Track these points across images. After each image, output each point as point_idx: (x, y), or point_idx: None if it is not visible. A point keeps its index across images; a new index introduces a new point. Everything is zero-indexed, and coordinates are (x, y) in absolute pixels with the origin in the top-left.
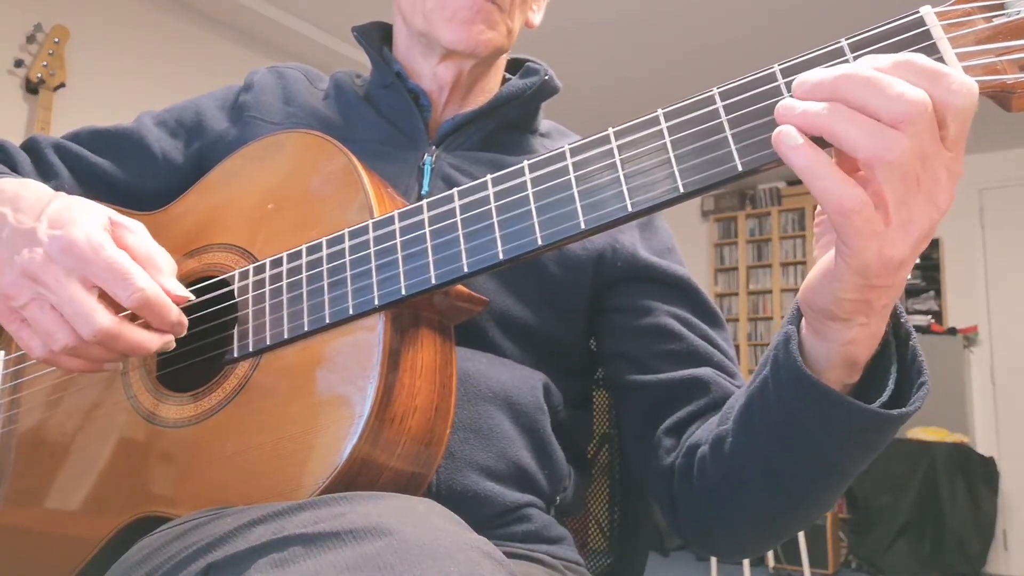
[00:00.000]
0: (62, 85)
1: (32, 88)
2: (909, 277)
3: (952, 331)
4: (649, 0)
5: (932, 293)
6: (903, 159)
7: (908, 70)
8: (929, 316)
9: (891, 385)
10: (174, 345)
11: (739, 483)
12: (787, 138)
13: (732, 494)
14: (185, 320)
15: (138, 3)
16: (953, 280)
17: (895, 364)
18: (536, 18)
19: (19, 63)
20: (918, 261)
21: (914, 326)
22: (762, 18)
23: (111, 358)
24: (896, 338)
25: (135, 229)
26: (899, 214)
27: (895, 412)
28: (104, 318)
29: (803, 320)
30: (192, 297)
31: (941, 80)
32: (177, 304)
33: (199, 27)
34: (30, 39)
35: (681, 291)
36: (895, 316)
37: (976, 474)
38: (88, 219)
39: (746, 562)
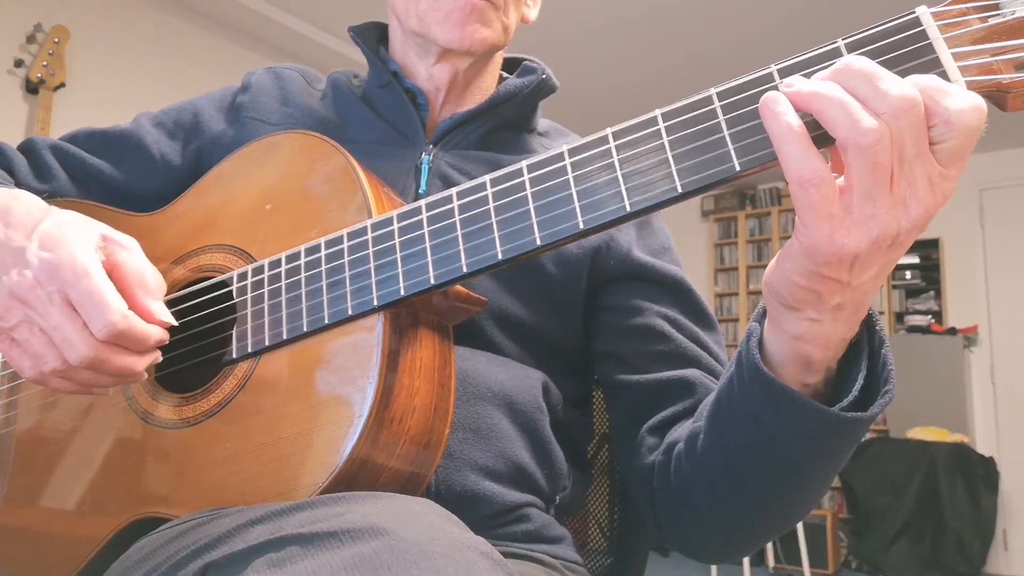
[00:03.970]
0: (62, 85)
1: (32, 88)
2: (908, 277)
3: (952, 331)
4: (649, 4)
5: (932, 293)
6: (877, 148)
7: (915, 78)
8: (929, 316)
9: (855, 392)
10: (161, 358)
11: (709, 481)
12: (770, 101)
13: (703, 492)
14: (166, 336)
15: (138, 3)
16: (953, 280)
17: (863, 372)
18: (532, 13)
19: (19, 63)
20: (916, 261)
21: (914, 326)
22: (761, 22)
23: (101, 382)
24: (869, 347)
25: (129, 246)
26: (862, 207)
27: (848, 415)
28: (87, 346)
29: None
30: (175, 323)
31: (939, 93)
32: (161, 327)
33: (199, 27)
34: (30, 39)
35: (673, 291)
36: (871, 324)
37: (976, 474)
38: (79, 240)
39: (746, 562)
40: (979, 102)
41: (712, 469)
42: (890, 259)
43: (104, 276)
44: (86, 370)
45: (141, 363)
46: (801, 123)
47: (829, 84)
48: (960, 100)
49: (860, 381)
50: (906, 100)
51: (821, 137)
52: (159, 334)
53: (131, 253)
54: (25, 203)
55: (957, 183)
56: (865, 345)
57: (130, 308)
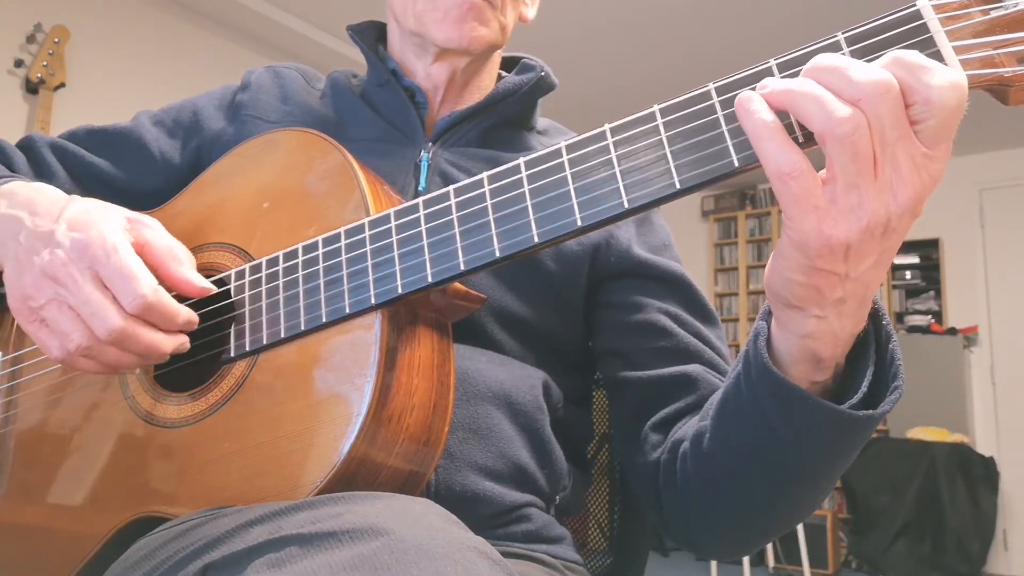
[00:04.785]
0: (62, 85)
1: (32, 88)
2: (908, 277)
3: (952, 331)
4: (649, 4)
5: (932, 293)
6: (854, 136)
7: (893, 61)
8: (929, 316)
9: (864, 388)
10: (188, 346)
11: (715, 480)
12: (744, 100)
13: (709, 491)
14: (195, 317)
15: (138, 3)
16: (953, 280)
17: (872, 368)
18: (530, 12)
19: (19, 63)
20: (916, 261)
21: (914, 326)
22: (761, 22)
23: (126, 361)
24: (876, 342)
25: (152, 225)
26: (847, 196)
27: (859, 414)
28: (118, 318)
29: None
30: (215, 289)
31: (919, 70)
32: (201, 297)
33: (199, 27)
34: (30, 39)
35: (674, 287)
36: (877, 319)
37: (976, 474)
38: (106, 221)
39: (746, 561)
40: (959, 79)
41: (718, 468)
42: (886, 248)
43: (133, 253)
44: (112, 347)
45: (168, 343)
46: (776, 119)
47: (801, 80)
48: (939, 78)
49: (869, 377)
50: (879, 85)
51: (802, 138)
52: (187, 314)
53: (156, 231)
54: (48, 194)
55: (944, 164)
56: (872, 341)
57: (165, 281)
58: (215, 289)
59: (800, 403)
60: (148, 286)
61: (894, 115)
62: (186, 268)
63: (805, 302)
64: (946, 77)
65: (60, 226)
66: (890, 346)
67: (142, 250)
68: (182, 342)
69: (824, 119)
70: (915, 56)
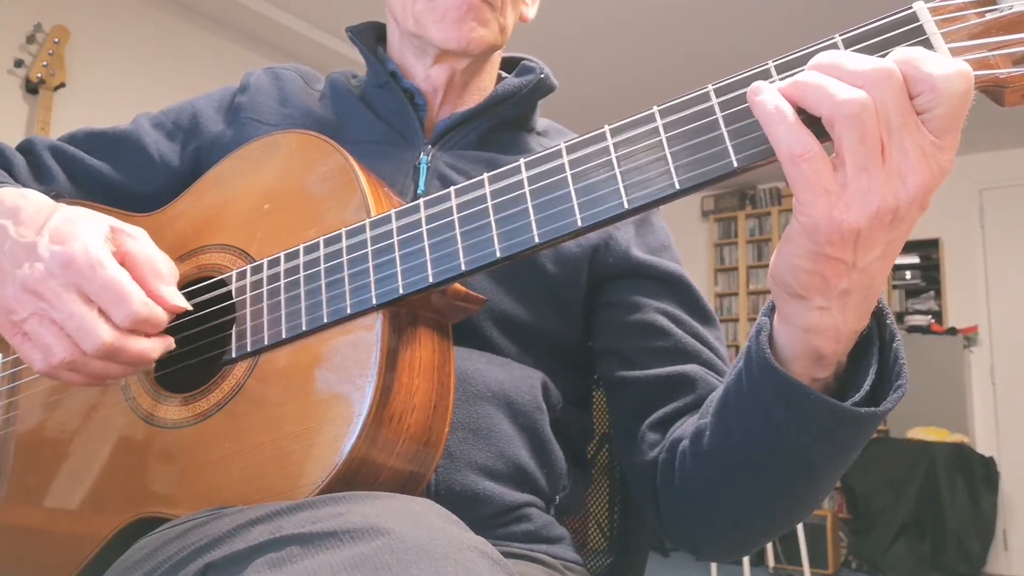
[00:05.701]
0: (62, 85)
1: (32, 88)
2: (908, 277)
3: (952, 331)
4: (649, 4)
5: (932, 293)
6: (862, 116)
7: (896, 56)
8: (929, 316)
9: (867, 386)
10: (174, 345)
11: (715, 478)
12: (756, 89)
13: (708, 490)
14: (180, 305)
15: (138, 3)
16: (953, 280)
17: (875, 365)
18: (530, 12)
19: (19, 63)
20: (916, 261)
21: (914, 326)
22: (761, 22)
23: (112, 372)
24: (880, 340)
25: (137, 235)
26: (858, 180)
27: (862, 410)
28: (106, 332)
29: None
30: (190, 307)
31: (921, 61)
32: (175, 313)
33: (199, 27)
34: (30, 39)
35: (672, 288)
36: (881, 317)
37: (976, 474)
38: (88, 232)
39: (746, 561)
40: (965, 68)
41: (719, 466)
42: (894, 237)
43: (118, 266)
44: (99, 360)
45: (156, 349)
46: (788, 104)
47: (808, 73)
48: (944, 66)
49: (871, 375)
50: (881, 71)
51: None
52: (176, 307)
53: (140, 242)
54: (33, 201)
55: (953, 155)
56: (876, 339)
57: None
58: (189, 306)
59: (802, 398)
60: (139, 300)
61: (897, 101)
62: (164, 285)
63: (810, 291)
64: (951, 66)
65: (43, 238)
66: (894, 345)
67: (123, 261)
68: (168, 343)
69: (831, 102)
70: (917, 50)
